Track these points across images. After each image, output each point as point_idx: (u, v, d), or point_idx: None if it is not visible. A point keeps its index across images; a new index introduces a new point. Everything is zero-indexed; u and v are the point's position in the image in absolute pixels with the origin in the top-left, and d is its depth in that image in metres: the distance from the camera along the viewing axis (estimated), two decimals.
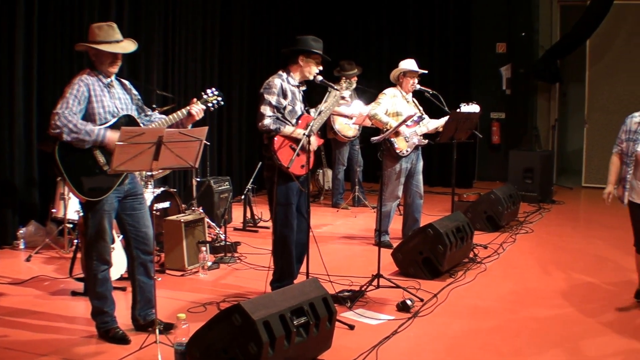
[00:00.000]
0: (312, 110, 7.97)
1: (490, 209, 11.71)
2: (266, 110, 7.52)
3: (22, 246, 9.90)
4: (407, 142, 10.08)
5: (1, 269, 8.87)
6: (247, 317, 5.34)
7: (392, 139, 9.95)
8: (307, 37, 7.78)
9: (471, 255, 9.78)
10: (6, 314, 7.20)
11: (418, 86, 10.24)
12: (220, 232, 10.25)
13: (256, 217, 11.83)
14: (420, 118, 10.17)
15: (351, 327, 6.99)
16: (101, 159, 6.25)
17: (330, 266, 8.45)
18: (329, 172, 14.60)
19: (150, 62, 11.96)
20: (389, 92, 10.29)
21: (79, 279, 8.07)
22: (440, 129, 10.12)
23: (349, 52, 15.71)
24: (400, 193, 10.34)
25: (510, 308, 7.85)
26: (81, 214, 6.92)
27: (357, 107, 12.27)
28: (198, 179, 10.83)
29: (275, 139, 7.49)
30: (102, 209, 6.35)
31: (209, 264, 9.12)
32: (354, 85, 12.84)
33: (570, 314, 7.67)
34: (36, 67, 10.17)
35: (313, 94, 8.26)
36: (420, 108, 10.45)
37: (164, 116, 6.84)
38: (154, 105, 9.67)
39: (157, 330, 6.22)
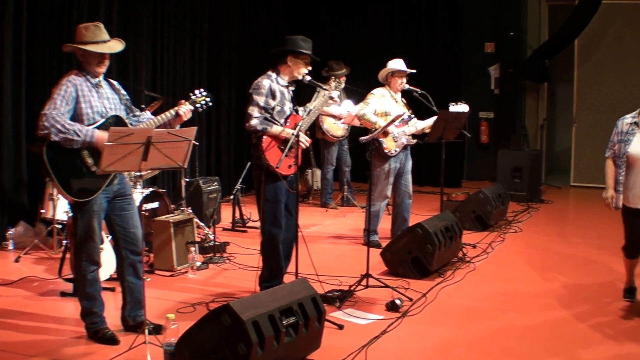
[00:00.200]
0: (302, 110, 7.99)
1: (479, 208, 11.73)
2: (254, 111, 7.54)
3: (11, 247, 9.87)
4: (395, 141, 10.09)
5: None
6: (236, 317, 5.34)
7: (380, 139, 9.96)
8: (296, 37, 7.79)
9: (460, 254, 9.80)
10: None
11: (407, 86, 10.25)
12: (209, 232, 10.25)
13: (245, 217, 11.83)
14: (409, 118, 10.19)
15: (340, 327, 7.00)
16: (89, 159, 6.24)
17: (319, 266, 8.43)
18: (318, 172, 14.60)
19: (139, 62, 11.95)
20: (377, 92, 10.31)
21: (68, 280, 8.05)
22: (428, 130, 10.15)
23: (337, 52, 15.72)
24: (389, 193, 10.35)
25: (500, 307, 7.87)
26: (70, 214, 6.91)
27: (346, 107, 12.27)
28: (187, 179, 10.83)
29: (264, 139, 7.50)
30: (91, 210, 6.34)
31: (198, 264, 9.12)
32: (343, 85, 12.84)
33: (559, 313, 7.68)
34: (25, 67, 10.15)
35: (301, 94, 8.27)
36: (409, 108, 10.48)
37: (152, 116, 6.84)
38: (143, 105, 9.66)
39: (146, 331, 6.22)
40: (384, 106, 10.17)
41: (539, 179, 15.84)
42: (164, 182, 12.54)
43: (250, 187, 13.08)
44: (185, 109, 6.75)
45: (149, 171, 7.60)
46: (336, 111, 12.25)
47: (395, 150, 10.10)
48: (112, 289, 7.77)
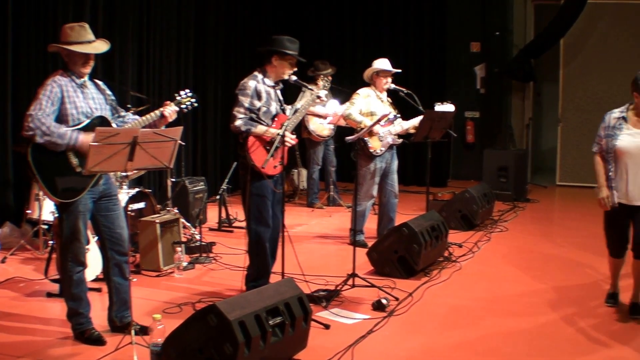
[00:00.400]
0: (289, 109, 8.00)
1: (464, 207, 11.75)
2: (239, 111, 7.57)
3: None
4: (381, 141, 10.10)
5: None
6: (223, 317, 5.35)
7: (365, 138, 9.95)
8: (283, 38, 7.78)
9: (446, 254, 9.82)
10: None
11: (392, 85, 10.25)
12: (196, 232, 10.25)
13: (231, 217, 11.82)
14: (395, 117, 10.19)
15: (327, 327, 7.01)
16: (74, 160, 6.23)
17: (306, 266, 8.45)
18: (304, 172, 14.60)
19: (125, 62, 11.93)
20: (363, 92, 10.31)
21: (54, 280, 8.04)
22: (413, 130, 10.17)
23: (323, 51, 15.73)
24: (375, 192, 10.35)
25: (486, 306, 7.89)
26: (56, 215, 6.90)
27: (332, 107, 12.29)
28: (173, 179, 10.81)
29: (249, 139, 7.52)
30: (76, 210, 6.33)
31: (185, 264, 9.11)
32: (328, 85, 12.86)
33: (545, 312, 7.71)
34: (10, 68, 10.12)
35: (287, 93, 8.27)
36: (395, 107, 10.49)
37: (137, 117, 6.83)
38: (129, 105, 9.65)
39: (132, 331, 6.22)
40: (370, 106, 10.17)
41: (524, 178, 15.86)
42: (150, 182, 12.52)
43: (236, 187, 13.09)
44: (170, 110, 6.74)
45: (135, 171, 7.59)
46: (322, 111, 12.26)
47: (381, 150, 10.11)
48: (99, 290, 7.76)
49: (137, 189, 9.62)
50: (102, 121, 6.40)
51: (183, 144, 8.64)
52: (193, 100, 7.04)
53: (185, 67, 13.86)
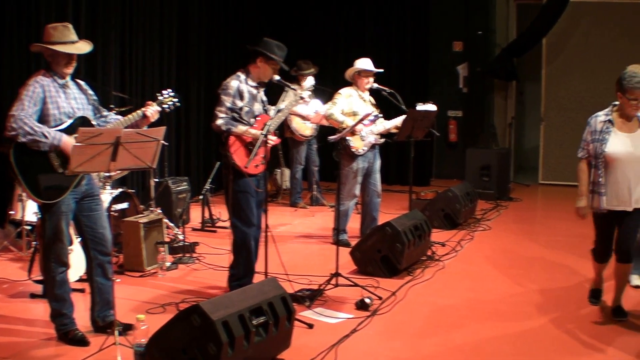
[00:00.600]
0: (272, 110, 8.02)
1: (447, 206, 11.78)
2: (220, 111, 7.63)
3: None
4: (363, 141, 10.10)
5: None
6: (206, 317, 5.35)
7: (348, 138, 9.95)
8: (272, 42, 7.85)
9: (429, 253, 9.84)
10: None
11: (375, 85, 10.25)
12: (179, 232, 10.24)
13: (214, 217, 11.81)
14: (376, 117, 10.20)
15: (310, 326, 7.03)
16: (56, 161, 6.22)
17: (289, 265, 8.47)
18: (287, 172, 14.59)
19: (108, 63, 11.89)
20: (344, 91, 10.32)
21: (37, 281, 8.02)
22: (395, 130, 10.19)
23: (306, 51, 15.72)
24: (357, 192, 10.35)
25: (469, 306, 7.92)
26: (39, 216, 6.90)
27: (315, 107, 12.29)
28: (156, 180, 10.79)
29: (230, 138, 7.57)
30: (59, 211, 6.33)
31: (168, 264, 9.11)
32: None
33: (529, 311, 7.74)
34: None
35: (270, 93, 8.30)
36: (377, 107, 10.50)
37: (119, 117, 6.83)
38: (112, 105, 9.63)
39: (116, 332, 6.22)
40: (352, 105, 10.18)
41: (507, 177, 15.89)
42: (133, 182, 12.50)
43: (219, 187, 13.07)
44: (152, 110, 6.75)
45: (118, 172, 7.59)
46: (304, 111, 12.27)
47: (363, 149, 10.11)
48: (82, 290, 7.74)
49: (120, 190, 9.61)
50: (83, 121, 6.40)
51: (166, 144, 8.64)
52: (175, 100, 7.05)
53: (168, 67, 13.83)
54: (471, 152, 15.58)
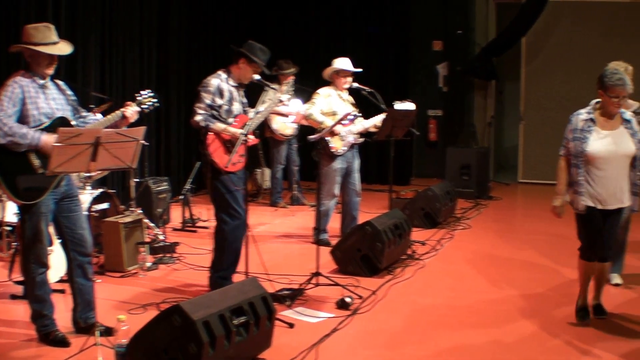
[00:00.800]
0: (252, 112, 8.04)
1: (427, 205, 11.81)
2: (199, 107, 7.74)
3: None
4: (342, 140, 10.11)
5: None
6: (187, 317, 5.36)
7: (327, 138, 9.95)
8: (256, 45, 7.93)
9: (409, 252, 9.86)
10: None
11: (355, 84, 10.25)
12: (159, 232, 10.23)
13: (195, 217, 11.80)
14: (355, 117, 10.20)
15: (291, 326, 7.03)
16: (36, 161, 6.21)
17: (269, 265, 8.46)
18: (267, 172, 14.58)
19: (88, 63, 11.86)
20: (323, 91, 10.33)
21: (18, 282, 7.98)
22: (374, 129, 10.21)
23: (286, 50, 15.70)
24: (337, 191, 10.34)
25: (449, 304, 7.95)
26: (19, 216, 6.88)
27: (295, 106, 12.31)
28: (136, 180, 10.77)
29: (208, 135, 7.68)
30: (39, 212, 6.32)
31: (149, 264, 9.10)
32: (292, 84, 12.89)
33: (508, 308, 7.78)
34: None
35: (249, 92, 8.32)
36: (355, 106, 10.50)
37: (99, 117, 6.83)
38: (92, 106, 9.61)
39: (97, 333, 6.21)
40: (331, 105, 10.19)
41: (487, 176, 15.94)
42: (113, 182, 12.47)
43: (200, 187, 13.07)
44: (131, 111, 6.73)
45: (98, 172, 7.58)
46: (285, 110, 12.29)
47: (343, 150, 10.11)
48: (62, 291, 7.72)
49: (100, 190, 9.59)
50: (62, 122, 6.38)
51: (146, 144, 8.63)
52: (154, 100, 7.05)
53: (148, 67, 13.80)
54: (451, 151, 15.64)
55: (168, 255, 9.63)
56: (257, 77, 7.94)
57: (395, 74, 17.37)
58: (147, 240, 9.51)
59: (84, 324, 6.66)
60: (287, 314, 7.37)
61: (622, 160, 6.98)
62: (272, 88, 8.27)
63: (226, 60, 8.02)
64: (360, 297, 7.98)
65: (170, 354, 5.43)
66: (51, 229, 6.74)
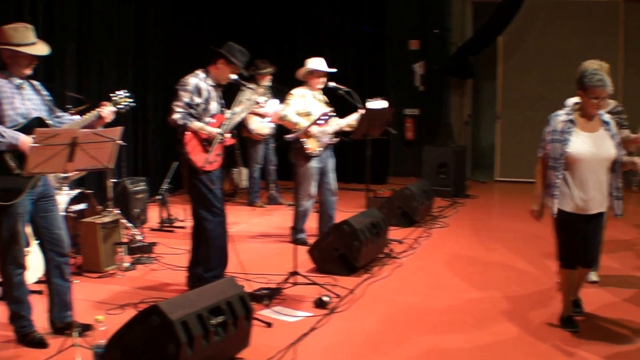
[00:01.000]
0: (228, 113, 8.05)
1: (404, 204, 11.83)
2: (177, 105, 7.77)
3: None
4: (318, 141, 10.10)
5: None
6: (165, 317, 5.36)
7: (302, 139, 9.96)
8: (235, 47, 7.98)
9: (387, 250, 9.89)
10: None
11: (332, 84, 10.24)
12: (137, 232, 10.22)
13: (172, 217, 11.80)
14: (330, 116, 10.19)
15: (269, 325, 7.05)
16: (12, 162, 6.19)
17: (247, 264, 8.49)
18: (245, 171, 14.59)
19: (65, 63, 11.83)
20: (297, 92, 10.30)
21: None
22: (348, 128, 10.23)
23: (263, 50, 15.69)
24: (314, 191, 10.30)
25: (427, 302, 7.98)
26: None
27: (272, 106, 12.31)
28: (114, 180, 10.76)
29: (186, 134, 7.72)
30: (15, 212, 6.30)
31: (126, 265, 9.10)
32: (269, 84, 12.90)
33: (485, 305, 7.83)
34: None
35: (225, 91, 8.34)
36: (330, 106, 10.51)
37: (75, 117, 6.83)
38: (70, 106, 9.58)
39: (74, 333, 6.21)
40: (305, 106, 10.17)
41: (464, 174, 16.00)
42: (91, 183, 12.44)
43: (177, 187, 13.07)
44: (107, 111, 6.73)
45: (75, 172, 7.57)
46: (262, 110, 12.29)
47: (319, 150, 10.11)
48: (40, 292, 7.70)
49: (78, 190, 9.57)
50: (39, 122, 6.37)
51: (124, 144, 8.60)
52: (130, 100, 7.04)
53: (125, 68, 13.76)
54: (428, 150, 15.70)
55: (146, 255, 9.63)
56: (234, 76, 7.97)
57: (371, 73, 17.40)
58: (125, 240, 9.50)
59: (61, 324, 6.65)
60: (265, 313, 7.38)
61: (603, 163, 6.79)
62: (249, 88, 8.29)
63: (203, 61, 8.04)
64: (338, 296, 8.00)
65: (149, 354, 5.43)
66: (28, 230, 6.73)
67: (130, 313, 6.96)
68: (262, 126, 13.33)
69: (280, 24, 18.00)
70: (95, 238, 8.95)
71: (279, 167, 14.06)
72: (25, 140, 6.06)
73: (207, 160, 7.63)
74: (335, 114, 10.29)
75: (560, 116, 6.90)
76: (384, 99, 10.43)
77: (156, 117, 14.59)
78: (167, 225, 11.60)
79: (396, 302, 7.96)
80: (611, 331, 7.08)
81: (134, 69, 14.01)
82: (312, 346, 6.59)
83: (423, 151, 15.80)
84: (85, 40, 12.46)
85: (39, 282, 7.91)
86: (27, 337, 6.45)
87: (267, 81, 12.87)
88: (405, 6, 17.81)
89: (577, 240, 6.93)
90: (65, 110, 7.61)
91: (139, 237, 10.03)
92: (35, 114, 6.39)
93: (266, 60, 13.31)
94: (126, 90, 7.10)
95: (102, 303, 7.70)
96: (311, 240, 9.76)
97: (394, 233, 10.80)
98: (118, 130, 6.25)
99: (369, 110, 9.95)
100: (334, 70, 10.32)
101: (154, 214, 11.93)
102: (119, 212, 9.85)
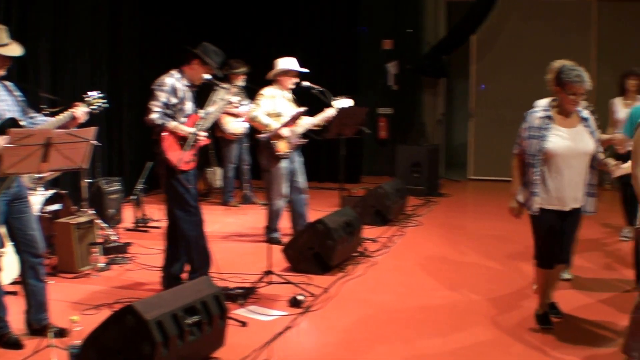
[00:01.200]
0: (202, 113, 8.07)
1: (378, 203, 11.86)
2: (155, 105, 7.78)
3: None
4: (288, 143, 10.09)
5: None
6: (140, 317, 5.38)
7: (272, 141, 9.94)
8: (210, 48, 8.01)
9: (361, 249, 9.93)
10: None
11: (306, 83, 10.23)
12: (112, 233, 10.22)
13: (147, 217, 11.79)
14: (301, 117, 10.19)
15: (244, 324, 7.08)
16: None
17: (222, 264, 8.51)
18: (219, 171, 14.58)
19: (38, 64, 11.79)
20: (267, 92, 10.23)
21: None
22: (315, 128, 10.24)
23: (237, 50, 15.69)
24: (286, 191, 10.30)
25: (400, 300, 8.03)
26: None
27: (247, 106, 12.32)
28: (88, 180, 10.75)
29: (163, 135, 7.74)
30: None
31: (101, 265, 9.09)
32: (242, 83, 12.91)
33: (459, 304, 7.89)
34: None
35: (200, 92, 8.36)
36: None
37: (47, 118, 6.82)
38: (44, 106, 9.55)
39: (50, 334, 6.21)
40: (275, 107, 10.12)
41: (437, 173, 16.04)
42: (66, 183, 12.41)
43: (152, 187, 13.06)
44: (81, 111, 6.73)
45: (50, 173, 7.56)
46: (235, 110, 12.29)
47: (289, 151, 10.12)
48: (15, 293, 7.70)
49: (53, 191, 9.56)
50: (12, 123, 6.36)
51: (98, 144, 8.60)
52: (103, 101, 7.04)
53: (100, 68, 13.74)
54: (401, 149, 15.73)
55: (120, 255, 9.63)
56: (207, 76, 7.99)
57: (345, 73, 17.35)
58: (100, 240, 9.49)
59: (38, 325, 6.66)
60: (239, 312, 7.41)
61: (581, 158, 6.74)
62: (223, 87, 8.30)
63: (178, 61, 8.06)
64: (313, 294, 8.04)
65: (124, 354, 5.44)
66: (3, 231, 6.73)
67: (105, 313, 6.95)
68: (235, 126, 13.33)
69: (254, 23, 17.97)
70: (70, 238, 8.94)
71: (253, 166, 14.05)
72: (0, 141, 6.06)
73: (183, 159, 7.65)
74: (306, 114, 10.29)
75: (537, 112, 6.82)
76: (349, 97, 10.42)
77: (130, 117, 14.56)
78: (141, 225, 11.60)
79: (370, 300, 8.01)
80: (588, 332, 7.08)
81: (109, 69, 13.97)
82: (287, 345, 6.62)
83: (396, 150, 15.83)
84: (60, 40, 12.42)
85: (14, 283, 7.91)
86: (2, 338, 6.45)
87: (241, 81, 12.86)
88: (379, 6, 17.81)
89: (556, 239, 6.90)
90: (39, 110, 7.59)
91: (113, 237, 10.02)
92: (8, 115, 6.38)
93: (240, 60, 13.31)
94: (99, 91, 7.10)
95: (77, 303, 7.70)
96: (285, 240, 9.79)
97: (368, 232, 10.83)
98: (92, 130, 6.27)
99: (340, 110, 9.97)
100: (307, 70, 10.32)
101: (128, 214, 11.92)
102: (94, 212, 9.83)
